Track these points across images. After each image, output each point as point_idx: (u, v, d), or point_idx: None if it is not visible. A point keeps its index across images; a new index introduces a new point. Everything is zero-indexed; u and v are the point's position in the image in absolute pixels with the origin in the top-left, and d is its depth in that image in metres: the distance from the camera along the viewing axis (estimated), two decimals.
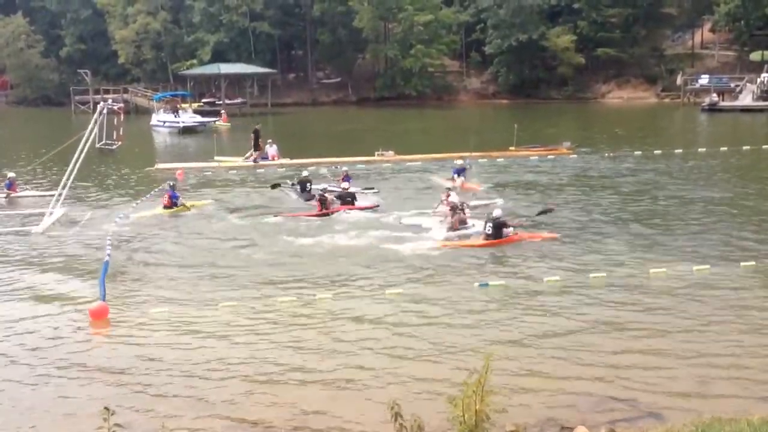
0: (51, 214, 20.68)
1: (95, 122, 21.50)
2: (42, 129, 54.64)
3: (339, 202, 21.53)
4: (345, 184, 22.81)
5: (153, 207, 22.61)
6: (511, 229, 17.64)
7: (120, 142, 22.86)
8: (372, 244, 17.55)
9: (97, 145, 22.14)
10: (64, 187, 21.25)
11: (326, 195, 21.45)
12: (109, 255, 16.27)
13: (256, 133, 33.56)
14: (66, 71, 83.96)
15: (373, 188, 24.64)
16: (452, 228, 18.37)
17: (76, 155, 21.08)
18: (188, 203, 22.52)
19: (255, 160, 32.62)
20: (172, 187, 22.42)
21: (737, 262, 15.24)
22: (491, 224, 17.24)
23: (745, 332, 11.55)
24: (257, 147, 33.30)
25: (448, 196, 20.50)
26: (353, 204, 21.51)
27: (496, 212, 17.62)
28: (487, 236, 17.31)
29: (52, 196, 21.70)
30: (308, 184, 24.05)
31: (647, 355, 10.73)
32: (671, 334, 11.50)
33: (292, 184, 24.69)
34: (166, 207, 21.94)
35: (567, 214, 20.40)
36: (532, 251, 16.67)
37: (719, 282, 14.10)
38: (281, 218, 20.72)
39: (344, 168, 26.20)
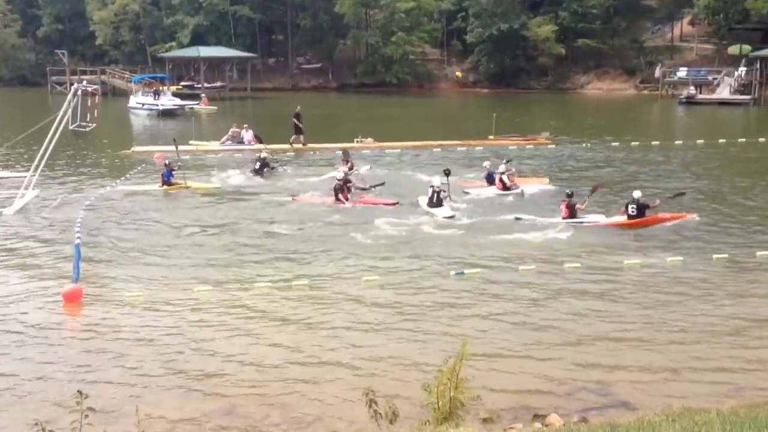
0: (23, 195, 20.43)
1: (69, 104, 21.24)
2: (17, 109, 54.01)
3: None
4: (348, 170, 22.70)
5: (146, 184, 23.20)
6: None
7: (94, 124, 22.61)
8: (354, 232, 17.55)
9: (71, 127, 21.88)
10: (36, 169, 21.00)
11: (344, 185, 20.71)
12: (79, 238, 16.11)
13: (297, 116, 32.87)
14: (43, 51, 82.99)
15: (383, 183, 23.26)
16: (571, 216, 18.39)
17: (48, 137, 20.84)
18: (189, 183, 22.87)
19: (302, 144, 32.24)
20: (168, 165, 22.85)
21: (710, 254, 15.41)
22: (634, 205, 17.83)
23: (717, 324, 11.69)
24: (299, 130, 32.72)
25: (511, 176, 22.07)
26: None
27: (636, 193, 18.19)
28: (630, 216, 17.89)
29: (25, 177, 21.46)
30: (265, 167, 24.90)
31: (620, 345, 10.83)
32: (644, 325, 11.62)
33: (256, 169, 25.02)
34: (162, 185, 22.69)
35: (542, 204, 20.52)
36: (508, 241, 16.74)
37: (692, 273, 14.25)
38: (292, 201, 20.67)
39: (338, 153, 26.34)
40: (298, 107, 33.73)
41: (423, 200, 20.01)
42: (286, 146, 31.95)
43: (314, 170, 26.37)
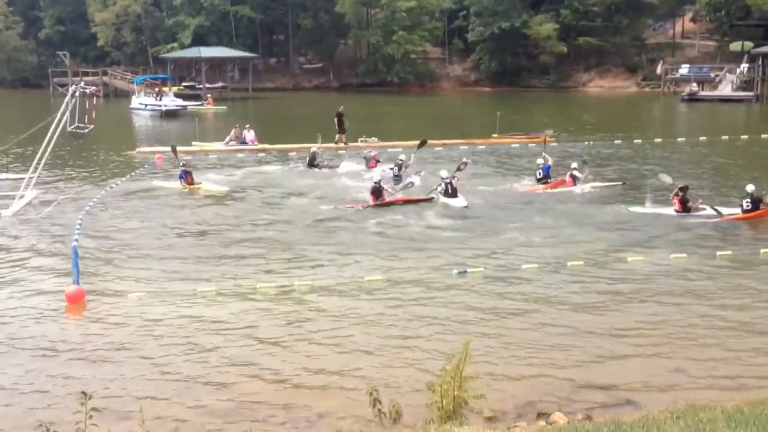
0: (22, 197, 20.37)
1: (67, 105, 21.20)
2: (19, 111, 53.96)
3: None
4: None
5: (159, 181, 23.60)
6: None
7: (92, 126, 22.57)
8: (357, 231, 17.61)
9: (69, 129, 21.83)
10: (35, 170, 20.94)
11: (382, 185, 20.62)
12: (77, 238, 16.07)
13: (339, 115, 32.90)
14: (45, 53, 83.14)
15: (421, 172, 23.96)
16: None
17: (47, 138, 20.77)
18: (203, 186, 22.91)
19: (344, 143, 32.30)
20: (183, 166, 23.13)
21: (714, 251, 15.38)
22: (749, 199, 18.20)
23: (721, 321, 11.66)
24: (342, 130, 32.79)
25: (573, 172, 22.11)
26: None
27: (750, 187, 18.48)
28: (745, 210, 18.22)
29: (24, 178, 21.38)
30: (316, 161, 25.99)
31: (624, 343, 10.81)
32: (648, 323, 11.58)
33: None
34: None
35: (545, 201, 20.53)
36: (510, 238, 16.73)
37: (696, 271, 14.21)
38: (332, 208, 20.06)
39: (373, 152, 26.60)
40: (341, 107, 33.76)
41: (437, 194, 20.56)
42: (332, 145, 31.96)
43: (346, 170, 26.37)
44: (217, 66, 70.25)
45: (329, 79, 78.73)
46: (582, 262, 14.65)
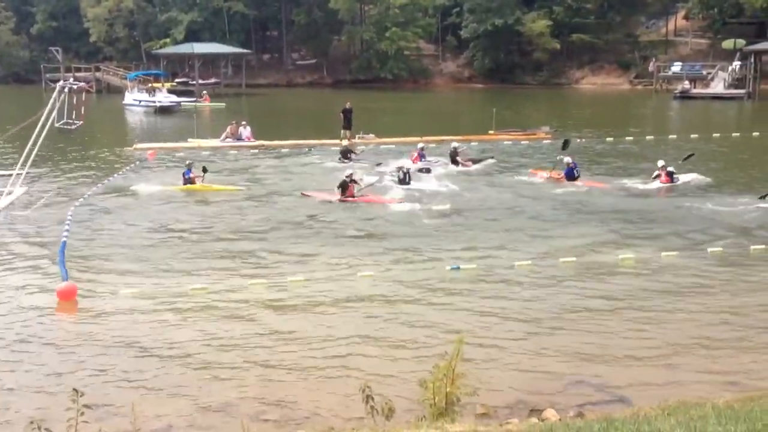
0: (10, 193, 20.24)
1: (54, 101, 21.08)
2: (11, 107, 53.73)
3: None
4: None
5: (169, 182, 23.24)
6: None
7: (81, 122, 22.42)
8: (350, 227, 17.64)
9: (56, 125, 21.70)
10: (23, 167, 20.79)
11: (354, 180, 20.75)
12: (66, 235, 15.98)
13: (345, 112, 33.13)
14: (37, 48, 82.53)
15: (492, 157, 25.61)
16: None
17: (34, 135, 20.64)
18: (208, 185, 22.59)
19: (348, 139, 32.39)
20: (188, 166, 22.86)
21: (705, 248, 15.42)
22: None
23: (711, 318, 11.70)
24: (348, 126, 33.00)
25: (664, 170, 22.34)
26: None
27: None
28: None
29: (12, 175, 21.21)
30: (349, 153, 26.98)
31: (616, 340, 10.84)
32: (639, 320, 11.62)
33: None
34: (184, 183, 22.61)
35: (540, 198, 20.55)
36: (503, 235, 16.75)
37: (686, 268, 14.25)
38: (301, 197, 20.97)
39: (420, 145, 26.80)
40: (348, 103, 34.14)
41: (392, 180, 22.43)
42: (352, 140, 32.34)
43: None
44: (210, 62, 70.03)
45: (323, 75, 78.55)
46: (574, 259, 14.68)
